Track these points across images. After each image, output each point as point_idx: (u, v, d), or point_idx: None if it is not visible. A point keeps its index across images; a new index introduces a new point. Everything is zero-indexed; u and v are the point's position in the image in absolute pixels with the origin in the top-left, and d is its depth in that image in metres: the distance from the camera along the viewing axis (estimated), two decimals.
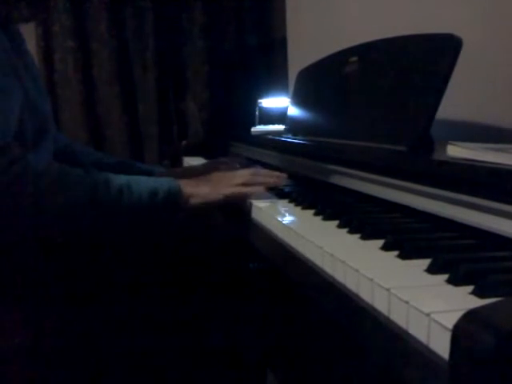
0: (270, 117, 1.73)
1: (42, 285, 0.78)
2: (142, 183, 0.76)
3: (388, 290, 0.42)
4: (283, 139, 1.17)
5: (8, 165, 0.66)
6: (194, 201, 0.79)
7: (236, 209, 0.85)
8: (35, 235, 0.72)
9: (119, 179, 0.74)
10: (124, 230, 0.76)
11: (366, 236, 0.58)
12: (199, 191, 0.79)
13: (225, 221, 0.96)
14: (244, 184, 0.83)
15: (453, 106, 0.78)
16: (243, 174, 0.85)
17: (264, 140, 1.33)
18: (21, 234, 0.71)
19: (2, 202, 0.66)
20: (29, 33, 1.99)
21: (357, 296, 0.46)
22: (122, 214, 0.73)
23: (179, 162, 1.71)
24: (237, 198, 0.82)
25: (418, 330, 0.37)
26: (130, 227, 0.76)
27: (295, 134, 1.20)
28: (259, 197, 0.84)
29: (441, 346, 0.34)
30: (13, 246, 0.74)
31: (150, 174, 1.08)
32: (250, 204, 0.81)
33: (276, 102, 1.77)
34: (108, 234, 0.77)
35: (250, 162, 1.30)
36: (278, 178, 0.88)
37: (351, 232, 0.61)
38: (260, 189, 0.83)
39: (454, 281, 0.42)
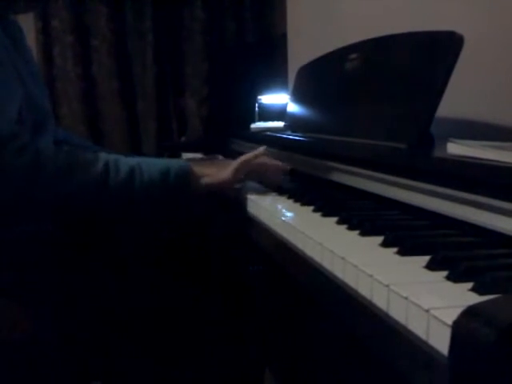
0: (269, 113, 1.72)
1: (43, 277, 0.78)
2: (153, 163, 0.76)
3: (387, 286, 0.42)
4: (283, 136, 1.17)
5: (18, 151, 0.66)
6: (205, 180, 0.79)
7: (236, 205, 0.85)
8: (48, 219, 0.72)
9: (130, 160, 0.75)
10: (137, 212, 0.76)
11: (365, 232, 0.58)
12: (209, 171, 0.80)
13: (224, 217, 0.96)
14: (258, 169, 0.84)
15: (453, 103, 0.78)
16: (257, 155, 0.85)
17: (263, 136, 1.32)
18: (34, 219, 0.71)
19: (13, 188, 0.67)
20: (28, 27, 1.98)
21: (356, 292, 0.46)
22: (135, 194, 0.73)
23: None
24: (249, 167, 0.83)
25: (417, 325, 0.37)
26: (143, 209, 0.76)
27: (295, 131, 1.20)
28: (258, 192, 0.84)
29: (440, 341, 0.34)
30: (16, 233, 0.75)
31: None
32: (246, 199, 0.82)
33: (276, 98, 1.77)
34: (121, 217, 0.76)
35: None
36: (284, 166, 0.90)
37: (350, 228, 0.61)
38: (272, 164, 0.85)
39: (454, 277, 0.42)
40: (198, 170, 0.79)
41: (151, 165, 0.75)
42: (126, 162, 0.74)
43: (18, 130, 0.70)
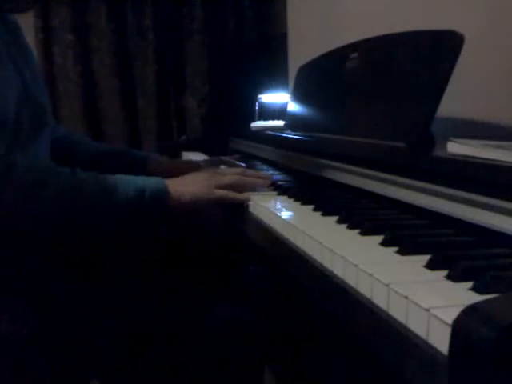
0: (269, 112, 1.72)
1: (41, 275, 0.78)
2: (129, 183, 0.75)
3: (387, 285, 0.42)
4: (283, 135, 1.17)
5: None
6: (183, 200, 0.78)
7: (235, 205, 0.85)
8: (23, 235, 0.71)
9: (107, 178, 0.74)
10: (112, 229, 0.75)
11: (365, 232, 0.58)
12: (188, 191, 0.79)
13: (224, 217, 0.96)
14: (232, 185, 0.82)
15: (453, 102, 0.78)
16: (232, 174, 0.85)
17: (263, 136, 1.32)
18: (7, 234, 0.70)
19: None
20: (28, 26, 1.98)
21: (356, 291, 0.47)
22: (109, 212, 0.72)
23: (178, 158, 1.71)
24: (225, 201, 0.82)
25: (417, 325, 0.37)
26: (118, 227, 0.75)
27: (295, 130, 1.20)
28: (258, 192, 0.84)
29: (440, 340, 0.34)
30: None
31: (144, 160, 1.08)
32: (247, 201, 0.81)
33: (276, 97, 1.77)
34: (96, 233, 0.75)
35: (248, 160, 1.30)
36: (265, 181, 0.88)
37: (350, 227, 0.61)
38: (247, 196, 0.83)
39: (454, 277, 0.42)
40: (178, 189, 0.77)
41: (127, 184, 0.74)
42: (103, 179, 0.73)
43: None
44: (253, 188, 0.86)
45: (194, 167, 0.99)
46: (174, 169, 0.97)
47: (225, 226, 0.97)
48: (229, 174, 0.85)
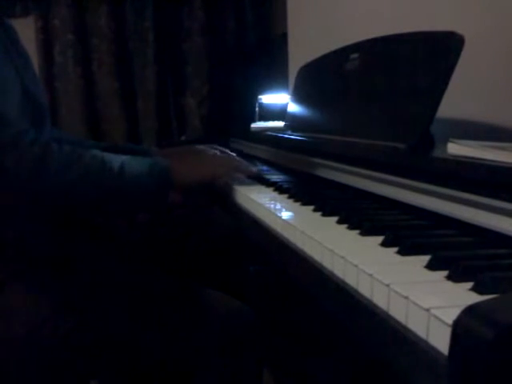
0: (270, 113, 1.72)
1: (41, 274, 0.78)
2: (140, 159, 0.82)
3: (387, 285, 0.42)
4: (283, 136, 1.17)
5: (30, 143, 0.70)
6: (183, 180, 0.85)
7: (236, 205, 0.85)
8: (50, 211, 0.78)
9: (119, 156, 0.80)
10: (128, 203, 0.82)
11: (365, 232, 0.58)
12: (187, 171, 0.86)
13: (224, 217, 0.96)
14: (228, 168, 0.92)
15: (453, 103, 0.78)
16: (228, 161, 0.95)
17: (264, 136, 1.33)
18: (34, 215, 0.77)
19: (24, 180, 0.70)
20: (28, 26, 1.98)
21: (356, 291, 0.47)
22: (127, 184, 0.78)
23: None
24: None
25: (417, 325, 0.37)
26: (133, 199, 0.81)
27: (295, 131, 1.20)
28: (258, 192, 0.84)
29: (440, 341, 0.34)
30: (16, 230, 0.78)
31: (145, 152, 1.09)
32: (246, 198, 0.82)
33: (276, 98, 1.77)
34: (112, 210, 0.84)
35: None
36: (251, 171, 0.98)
37: (350, 228, 0.61)
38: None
39: (454, 277, 0.42)
40: (178, 169, 0.84)
41: (139, 159, 0.81)
42: (116, 156, 0.79)
43: (27, 123, 0.75)
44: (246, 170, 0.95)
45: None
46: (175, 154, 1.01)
47: (225, 226, 0.97)
48: (226, 160, 0.95)
